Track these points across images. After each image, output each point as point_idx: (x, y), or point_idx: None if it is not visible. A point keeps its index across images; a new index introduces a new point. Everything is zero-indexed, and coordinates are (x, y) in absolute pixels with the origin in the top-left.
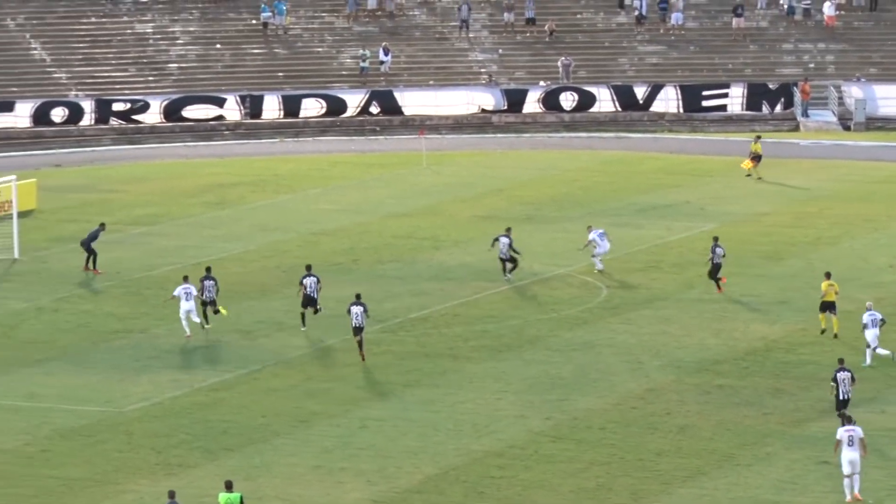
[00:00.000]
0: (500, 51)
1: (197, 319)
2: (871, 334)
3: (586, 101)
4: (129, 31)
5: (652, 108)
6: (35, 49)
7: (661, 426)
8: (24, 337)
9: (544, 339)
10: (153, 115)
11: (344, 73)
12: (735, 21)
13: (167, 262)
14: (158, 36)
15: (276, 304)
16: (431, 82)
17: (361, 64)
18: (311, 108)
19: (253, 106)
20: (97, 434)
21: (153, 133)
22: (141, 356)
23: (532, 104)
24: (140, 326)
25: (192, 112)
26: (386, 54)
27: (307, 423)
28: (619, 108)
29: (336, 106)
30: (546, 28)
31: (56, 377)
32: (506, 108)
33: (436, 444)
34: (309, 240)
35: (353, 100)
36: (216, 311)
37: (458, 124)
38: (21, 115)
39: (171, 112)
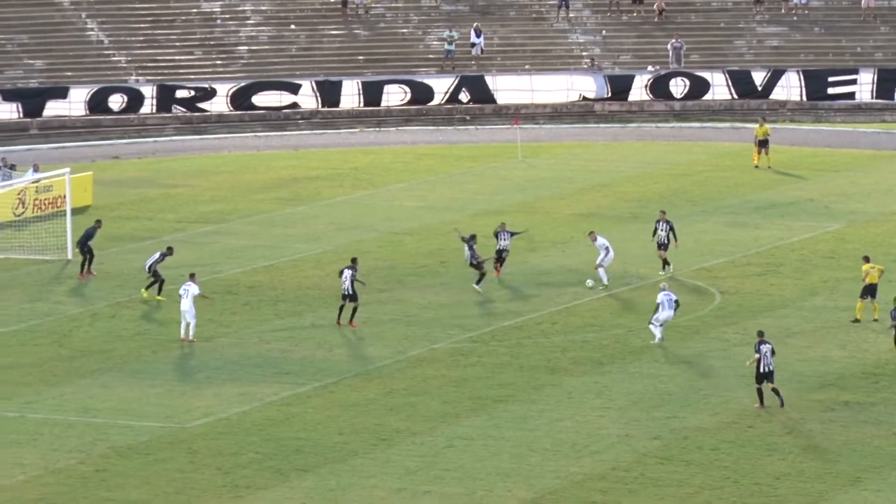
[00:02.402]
0: (604, 32)
1: (192, 320)
2: None
3: (699, 87)
4: (194, 10)
5: (772, 96)
6: (91, 30)
7: (780, 447)
8: (79, 345)
9: (651, 350)
10: (220, 103)
11: (430, 56)
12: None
13: (235, 263)
14: (227, 16)
15: None
16: (527, 67)
17: (447, 47)
18: (395, 95)
19: (330, 93)
20: (157, 452)
21: (220, 122)
22: (205, 367)
23: (638, 91)
24: (204, 334)
25: (264, 99)
26: (478, 36)
27: (388, 442)
28: (736, 96)
29: (421, 93)
30: (655, 7)
31: (112, 390)
32: (609, 95)
33: (531, 466)
34: (391, 239)
35: (441, 86)
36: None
37: (557, 113)
38: (76, 103)
39: (240, 99)
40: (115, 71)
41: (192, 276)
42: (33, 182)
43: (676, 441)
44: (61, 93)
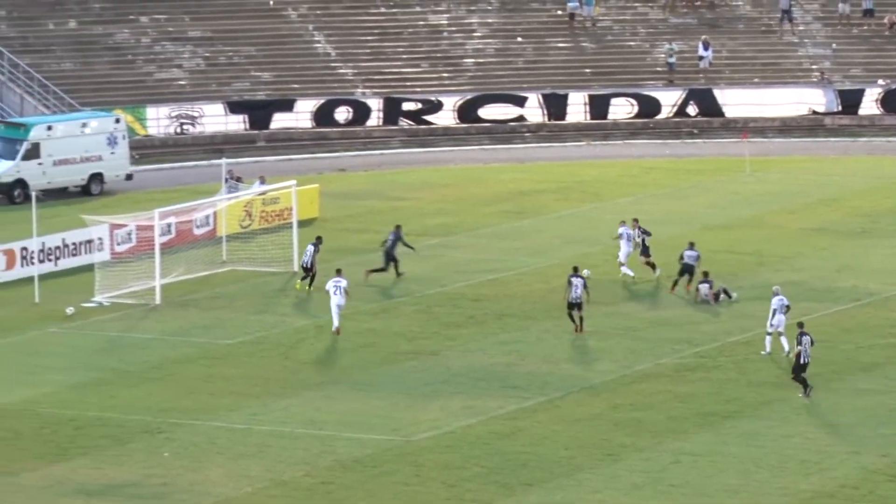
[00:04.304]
0: (834, 45)
1: (337, 322)
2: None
3: None
4: (421, 22)
5: None
6: (318, 42)
7: None
8: (304, 357)
9: (881, 366)
10: (446, 116)
11: (658, 69)
12: None
13: (460, 276)
14: (454, 28)
15: None
16: (756, 80)
17: (668, 59)
18: (621, 108)
19: (557, 106)
20: (382, 465)
21: (446, 135)
22: (431, 380)
23: (869, 105)
24: (430, 347)
25: (490, 112)
26: (706, 49)
27: (614, 457)
28: None
29: (649, 106)
30: (886, 21)
31: (338, 402)
32: (839, 109)
33: (758, 483)
34: (616, 253)
35: (668, 99)
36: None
37: (786, 126)
38: (302, 115)
39: (467, 112)
40: (341, 83)
41: (339, 272)
42: (260, 194)
43: None
44: (288, 105)
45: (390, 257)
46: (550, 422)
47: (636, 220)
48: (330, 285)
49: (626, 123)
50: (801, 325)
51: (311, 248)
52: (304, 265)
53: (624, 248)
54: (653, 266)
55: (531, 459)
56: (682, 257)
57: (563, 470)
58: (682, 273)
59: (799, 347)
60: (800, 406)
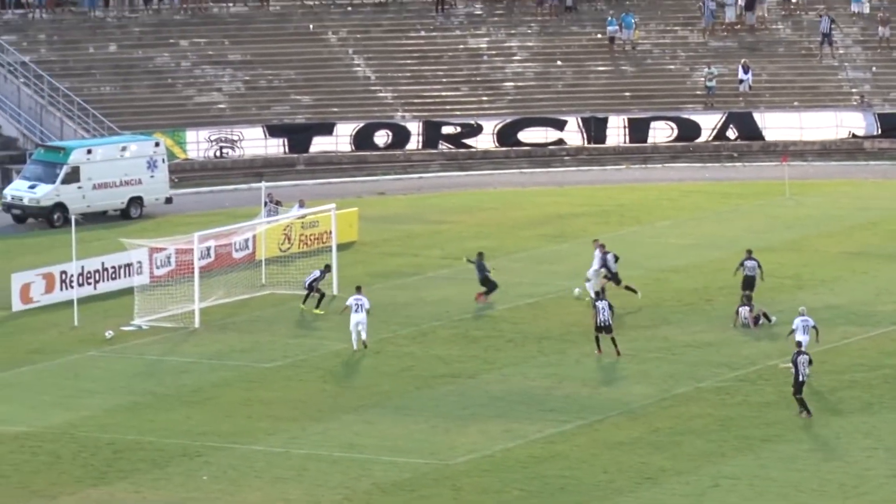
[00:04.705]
0: (874, 69)
1: (364, 335)
2: None
3: None
4: (461, 46)
5: None
6: (358, 66)
7: None
8: (343, 381)
9: None
10: (486, 139)
11: (697, 93)
12: None
13: (500, 300)
14: (493, 52)
15: (619, 347)
16: (796, 103)
17: (707, 83)
18: (661, 131)
19: (596, 129)
20: (421, 489)
21: (486, 159)
22: (469, 403)
23: None
24: (468, 371)
25: (529, 136)
26: (745, 72)
27: (653, 480)
28: None
29: (688, 130)
30: None
31: (376, 425)
32: (879, 132)
33: None
34: (657, 277)
35: (708, 122)
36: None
37: (826, 150)
38: (342, 138)
39: (506, 136)
40: (381, 107)
41: (358, 289)
42: (299, 218)
43: None
44: (327, 129)
45: (488, 282)
46: (589, 445)
47: (597, 240)
48: (351, 301)
49: (666, 147)
50: (799, 344)
51: (317, 272)
52: (306, 285)
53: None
54: (632, 289)
55: (570, 483)
56: (741, 267)
57: (601, 494)
58: (745, 287)
59: (793, 367)
60: (839, 430)
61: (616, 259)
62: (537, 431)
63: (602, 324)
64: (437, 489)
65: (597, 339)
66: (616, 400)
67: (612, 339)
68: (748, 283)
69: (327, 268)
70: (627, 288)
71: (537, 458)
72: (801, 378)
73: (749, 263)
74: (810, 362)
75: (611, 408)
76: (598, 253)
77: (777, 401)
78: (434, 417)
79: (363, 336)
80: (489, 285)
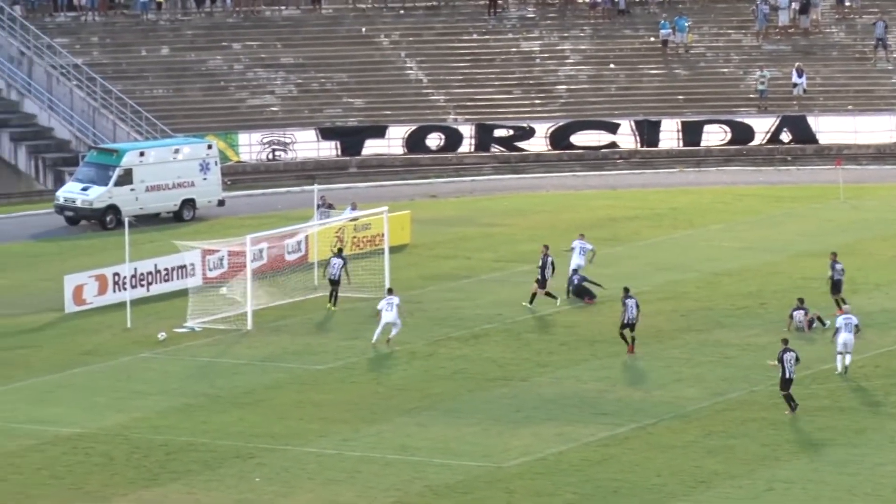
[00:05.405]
0: None
1: (394, 332)
2: None
3: None
4: (513, 49)
5: None
6: (411, 69)
7: None
8: (396, 383)
9: None
10: (538, 142)
11: (751, 96)
12: None
13: (553, 302)
14: (546, 55)
15: (673, 351)
16: (850, 107)
17: (759, 87)
18: (714, 134)
19: (649, 133)
20: (474, 491)
21: (538, 162)
22: (522, 406)
23: None
24: (521, 374)
25: (582, 139)
26: (800, 76)
27: (706, 484)
28: None
29: (742, 133)
30: None
31: (429, 428)
32: None
33: None
34: (710, 280)
35: (762, 126)
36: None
37: (880, 154)
38: (394, 141)
39: (559, 139)
40: (433, 110)
41: (390, 291)
42: (351, 220)
43: None
44: (380, 131)
45: (581, 290)
46: (643, 449)
47: (546, 247)
48: (382, 304)
49: (719, 150)
50: (785, 341)
51: (338, 261)
52: (333, 278)
53: (578, 261)
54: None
55: (623, 486)
56: (832, 269)
57: (655, 497)
58: (833, 290)
59: (779, 363)
60: (893, 433)
61: (553, 268)
62: (590, 435)
63: (629, 321)
64: (489, 492)
65: (622, 335)
66: (669, 403)
67: (632, 337)
68: (836, 286)
69: (341, 251)
70: (548, 294)
71: (590, 461)
72: (787, 375)
73: (838, 266)
74: (797, 360)
75: (664, 411)
76: (578, 244)
77: (830, 405)
78: (487, 420)
79: (392, 333)
80: (584, 289)
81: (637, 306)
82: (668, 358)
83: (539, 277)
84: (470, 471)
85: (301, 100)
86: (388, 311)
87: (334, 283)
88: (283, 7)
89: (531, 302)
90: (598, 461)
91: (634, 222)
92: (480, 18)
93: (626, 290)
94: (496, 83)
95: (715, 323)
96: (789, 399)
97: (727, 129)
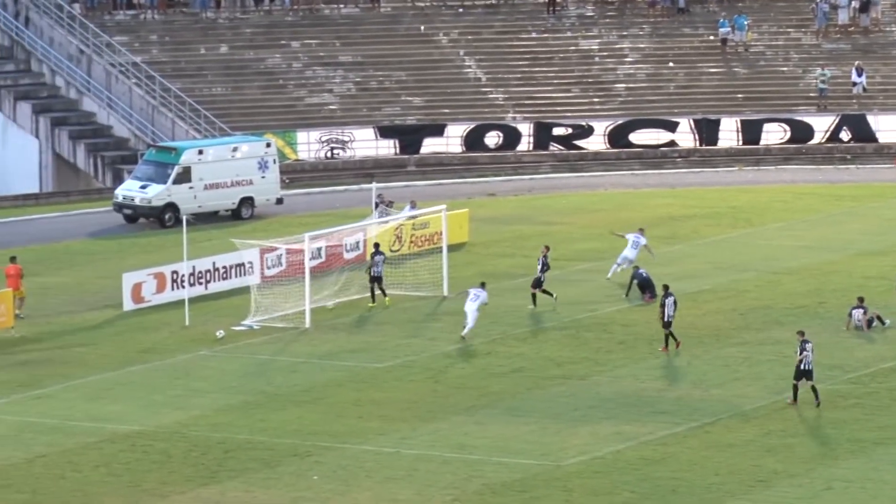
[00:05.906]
0: None
1: (472, 324)
2: None
3: None
4: (572, 47)
5: None
6: (469, 67)
7: None
8: (454, 382)
9: None
10: (597, 141)
11: (811, 95)
12: None
13: (612, 301)
14: (605, 53)
15: (731, 350)
16: None
17: (819, 85)
18: (774, 133)
19: (708, 131)
20: (532, 490)
21: (597, 160)
22: (580, 405)
23: None
24: (580, 372)
25: (641, 137)
26: (859, 75)
27: (765, 483)
28: None
29: (801, 131)
30: None
31: (487, 426)
32: None
33: None
34: (769, 279)
35: (821, 124)
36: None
37: None
38: (453, 139)
39: (617, 137)
40: (492, 108)
41: (482, 285)
42: (410, 219)
43: None
44: (438, 130)
45: (645, 283)
46: (701, 447)
47: (547, 248)
48: (470, 290)
49: (779, 149)
50: (801, 332)
51: (380, 257)
52: (377, 275)
53: (628, 253)
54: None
55: (681, 485)
56: None
57: (713, 496)
58: None
59: (800, 356)
60: None
61: (547, 268)
62: (648, 433)
63: (668, 319)
64: (547, 490)
65: (670, 334)
66: (728, 402)
67: (666, 335)
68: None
69: (376, 246)
70: (545, 291)
71: (648, 460)
72: (803, 366)
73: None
74: (812, 350)
75: (722, 410)
76: (632, 238)
77: (889, 404)
78: (545, 419)
79: (469, 324)
80: (648, 285)
81: (675, 304)
82: (726, 357)
83: (539, 277)
84: (528, 469)
85: (359, 98)
86: (471, 302)
87: (377, 280)
88: (341, 5)
89: (534, 303)
90: (656, 460)
91: (693, 221)
92: (539, 17)
93: (666, 287)
94: (555, 81)
95: (774, 322)
96: (796, 390)
97: (786, 127)
